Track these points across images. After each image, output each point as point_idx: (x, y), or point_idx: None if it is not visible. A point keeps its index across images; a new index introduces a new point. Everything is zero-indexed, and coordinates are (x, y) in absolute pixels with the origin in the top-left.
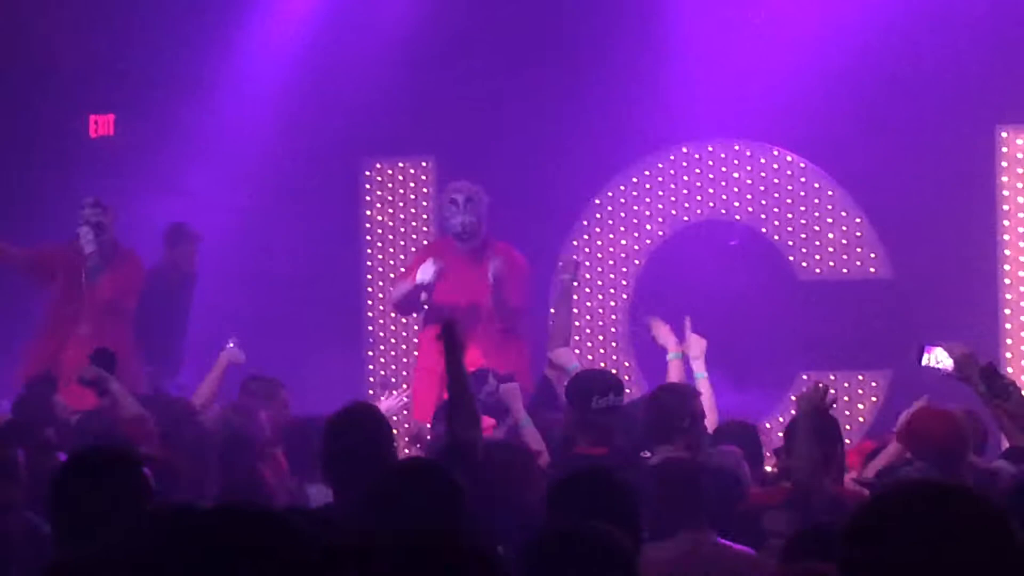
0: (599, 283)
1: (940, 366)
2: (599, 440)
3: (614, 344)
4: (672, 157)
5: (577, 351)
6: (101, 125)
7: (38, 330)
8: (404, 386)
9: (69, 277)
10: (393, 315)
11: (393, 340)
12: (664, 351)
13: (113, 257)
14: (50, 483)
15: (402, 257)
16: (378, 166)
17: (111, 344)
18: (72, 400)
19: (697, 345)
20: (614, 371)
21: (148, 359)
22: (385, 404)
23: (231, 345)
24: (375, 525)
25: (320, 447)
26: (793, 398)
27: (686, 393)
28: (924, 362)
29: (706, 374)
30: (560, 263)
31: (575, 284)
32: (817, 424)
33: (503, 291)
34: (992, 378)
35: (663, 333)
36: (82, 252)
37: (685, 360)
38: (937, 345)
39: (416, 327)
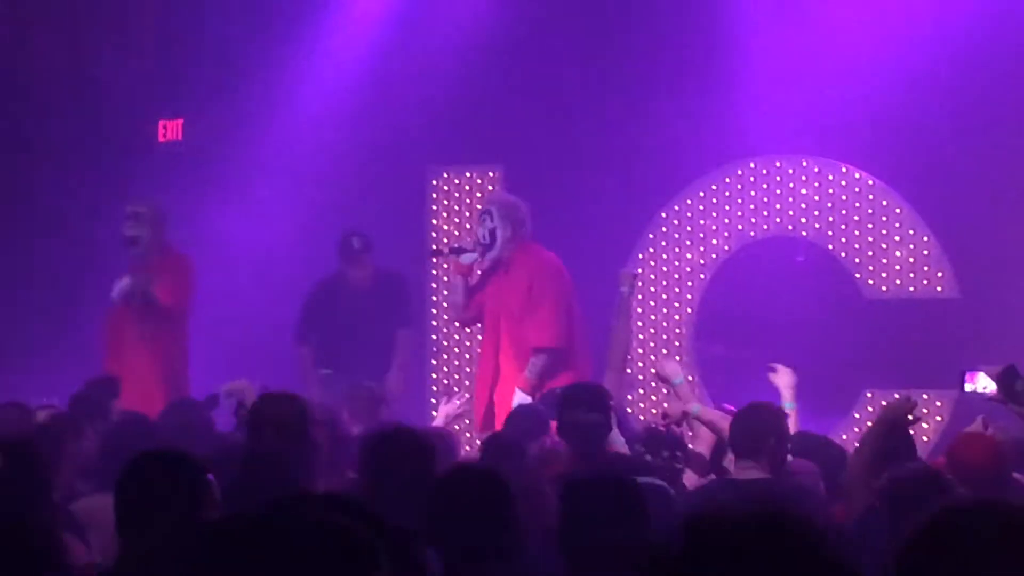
0: (664, 297)
1: (985, 391)
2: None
3: (678, 358)
4: (740, 172)
5: (640, 364)
6: (170, 130)
7: (100, 340)
8: (465, 394)
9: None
10: (456, 325)
11: (457, 349)
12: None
13: (160, 266)
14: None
15: (445, 265)
16: (445, 175)
17: (165, 350)
18: (130, 405)
19: (786, 377)
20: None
21: (324, 362)
22: (444, 409)
23: None
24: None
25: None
26: (856, 415)
27: (774, 412)
28: (968, 389)
29: (795, 405)
30: (620, 276)
31: (634, 296)
32: (888, 440)
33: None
34: (1011, 380)
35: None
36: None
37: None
38: (979, 369)
39: (480, 336)
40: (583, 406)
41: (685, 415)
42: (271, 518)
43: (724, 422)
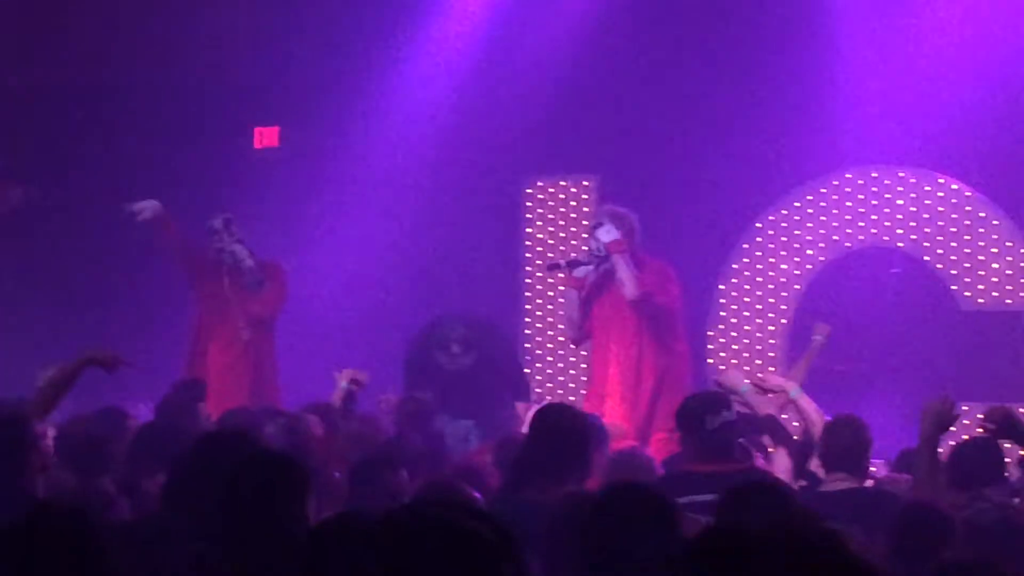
0: (759, 307)
1: None
2: (715, 456)
3: (772, 369)
4: (836, 182)
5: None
6: (266, 137)
7: (189, 342)
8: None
9: (213, 289)
10: (551, 333)
11: (550, 358)
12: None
13: (265, 271)
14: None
15: (560, 275)
16: (540, 184)
17: (258, 355)
18: (216, 407)
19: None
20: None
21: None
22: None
23: None
24: None
25: None
26: (952, 429)
27: (864, 427)
28: None
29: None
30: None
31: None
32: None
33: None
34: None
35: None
36: (228, 267)
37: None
38: None
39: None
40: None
41: (784, 394)
42: (404, 519)
43: (819, 417)
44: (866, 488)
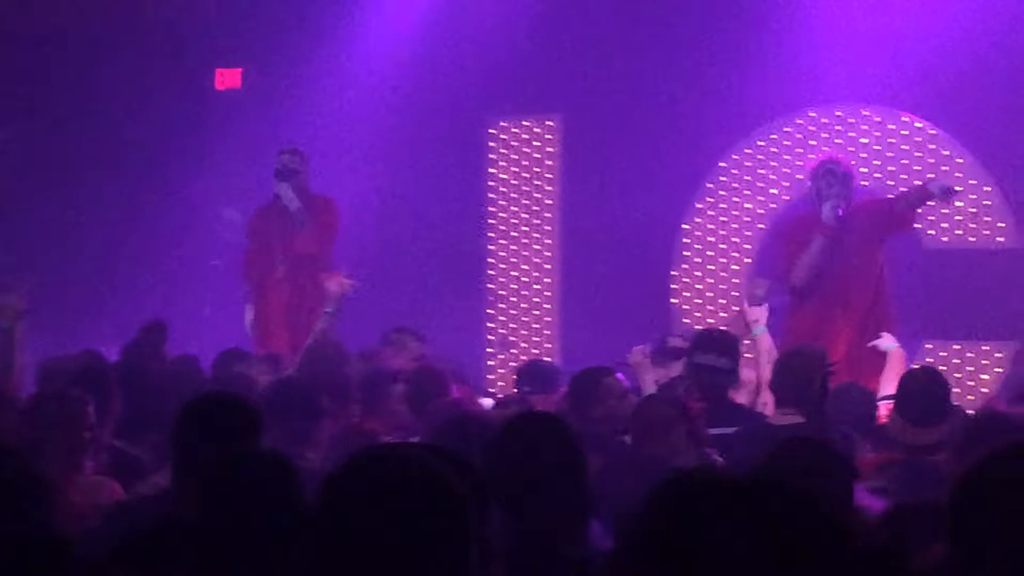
0: (722, 247)
1: None
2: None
3: (736, 308)
4: (799, 121)
5: (697, 314)
6: (227, 78)
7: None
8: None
9: (264, 234)
10: (515, 275)
11: (514, 299)
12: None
13: (314, 206)
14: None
15: (525, 216)
16: (503, 124)
17: (308, 293)
18: (277, 345)
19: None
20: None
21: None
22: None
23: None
24: None
25: None
26: (915, 367)
27: (816, 358)
28: None
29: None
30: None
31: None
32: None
33: None
34: None
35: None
36: (278, 211)
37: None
38: None
39: None
40: (714, 350)
41: (748, 329)
42: (369, 465)
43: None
44: (811, 424)
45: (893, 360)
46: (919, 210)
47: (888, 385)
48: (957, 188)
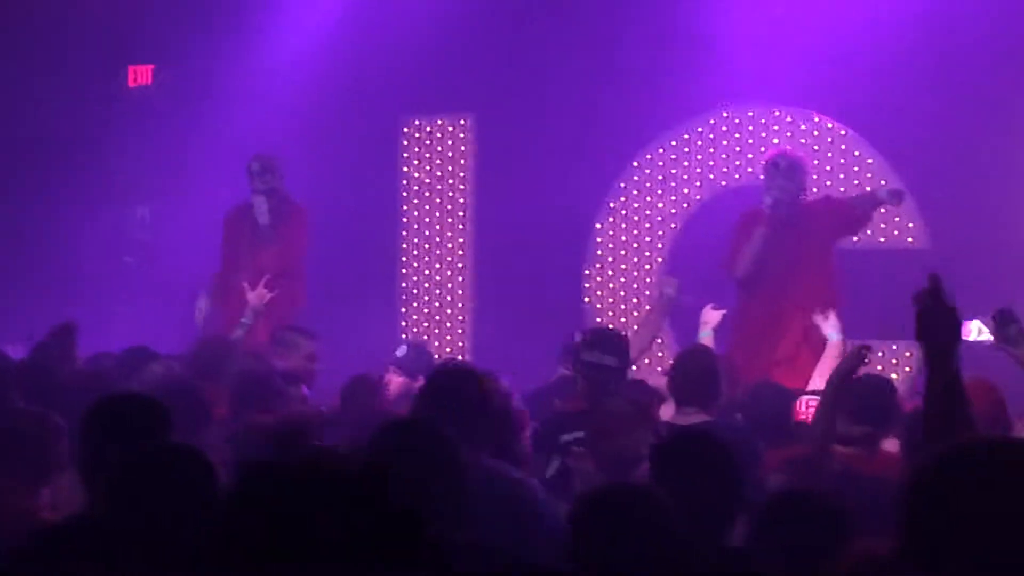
0: (635, 246)
1: (980, 339)
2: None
3: (648, 308)
4: (712, 121)
5: (610, 313)
6: (140, 75)
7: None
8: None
9: (234, 244)
10: (428, 273)
11: (427, 297)
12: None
13: (283, 221)
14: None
15: (437, 215)
16: (417, 123)
17: (280, 305)
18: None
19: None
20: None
21: None
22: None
23: None
24: None
25: None
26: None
27: (712, 355)
28: (972, 337)
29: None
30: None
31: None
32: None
33: None
34: (1005, 323)
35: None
36: (251, 220)
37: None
38: (971, 318)
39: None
40: (600, 348)
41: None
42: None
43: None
44: (717, 421)
45: (828, 353)
46: (872, 215)
47: (819, 379)
48: (902, 190)
